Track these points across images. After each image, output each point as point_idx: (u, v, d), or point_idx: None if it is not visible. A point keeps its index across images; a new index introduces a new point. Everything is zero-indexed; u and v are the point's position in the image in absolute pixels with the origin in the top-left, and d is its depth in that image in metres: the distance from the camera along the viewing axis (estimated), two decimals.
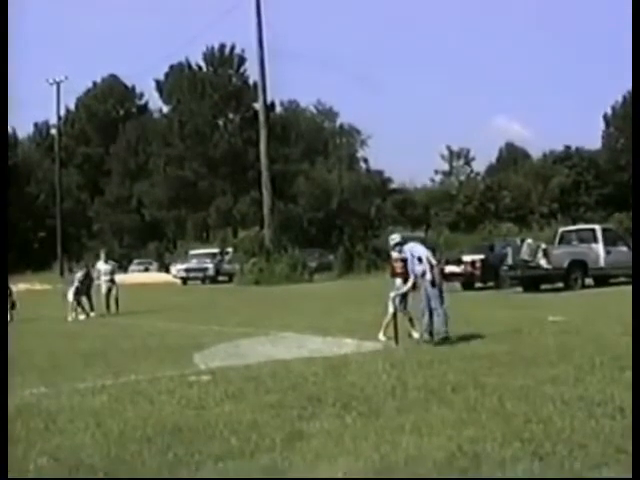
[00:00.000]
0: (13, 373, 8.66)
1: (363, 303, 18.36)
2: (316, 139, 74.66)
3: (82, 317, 18.67)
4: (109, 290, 19.96)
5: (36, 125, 78.22)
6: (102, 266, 20.63)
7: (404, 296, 11.55)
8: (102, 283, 20.10)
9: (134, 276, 43.83)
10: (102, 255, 21.39)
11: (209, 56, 66.73)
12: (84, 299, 19.19)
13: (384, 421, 6.02)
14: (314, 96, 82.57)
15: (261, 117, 40.47)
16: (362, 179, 67.85)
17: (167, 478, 4.88)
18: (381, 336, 11.31)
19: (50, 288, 37.61)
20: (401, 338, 10.99)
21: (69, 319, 18.28)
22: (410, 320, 11.64)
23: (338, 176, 65.42)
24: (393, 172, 73.10)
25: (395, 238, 11.90)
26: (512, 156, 73.47)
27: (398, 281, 11.55)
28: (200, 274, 41.96)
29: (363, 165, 75.64)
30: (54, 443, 5.73)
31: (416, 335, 11.35)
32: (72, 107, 74.94)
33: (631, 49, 9.73)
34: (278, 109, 68.65)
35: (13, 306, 19.25)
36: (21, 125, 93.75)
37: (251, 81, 61.60)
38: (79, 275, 19.45)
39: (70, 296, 18.82)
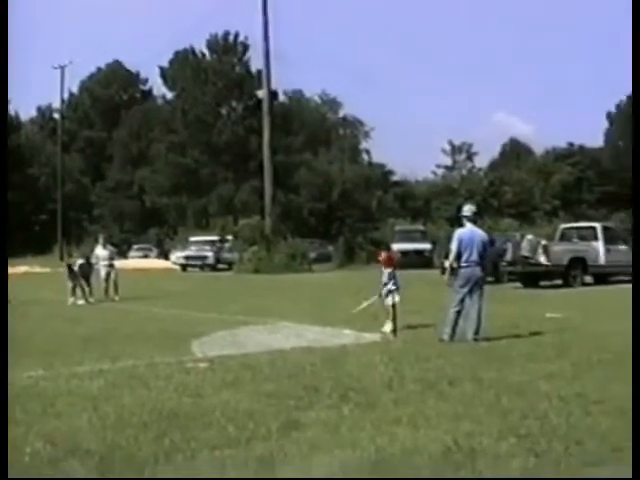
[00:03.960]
0: (12, 355, 8.66)
1: (362, 294, 18.31)
2: (319, 129, 74.47)
3: (81, 302, 18.66)
4: (108, 275, 19.95)
5: (39, 108, 78.17)
6: (100, 251, 20.56)
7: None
8: (101, 268, 20.07)
9: (133, 262, 43.80)
10: (100, 240, 21.31)
11: (213, 44, 66.51)
12: (83, 283, 19.18)
13: (381, 413, 6.02)
14: (316, 90, 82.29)
15: (265, 107, 40.35)
16: (364, 171, 67.71)
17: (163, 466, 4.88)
18: (387, 328, 11.15)
19: (50, 271, 37.62)
20: (399, 331, 11.00)
21: (68, 303, 18.29)
22: (389, 313, 11.48)
23: (340, 167, 65.30)
24: (395, 165, 72.79)
25: (466, 211, 10.74)
26: (515, 152, 73.33)
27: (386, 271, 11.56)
28: (199, 262, 41.93)
29: (365, 157, 75.58)
30: (51, 426, 5.73)
31: (387, 329, 11.22)
32: (76, 91, 74.85)
33: (631, 49, 9.72)
34: (282, 97, 68.54)
35: None
36: (24, 108, 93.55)
37: (254, 69, 61.48)
38: (79, 262, 19.46)
39: (69, 280, 18.85)
